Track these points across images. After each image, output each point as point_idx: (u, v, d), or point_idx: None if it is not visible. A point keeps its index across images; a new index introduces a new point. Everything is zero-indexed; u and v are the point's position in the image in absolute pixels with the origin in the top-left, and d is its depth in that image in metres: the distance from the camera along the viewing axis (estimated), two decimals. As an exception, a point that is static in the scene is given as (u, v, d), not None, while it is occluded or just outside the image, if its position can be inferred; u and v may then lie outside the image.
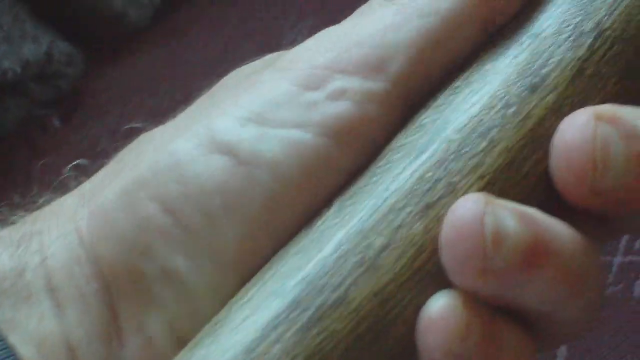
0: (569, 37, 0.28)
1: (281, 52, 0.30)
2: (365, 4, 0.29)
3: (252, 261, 0.27)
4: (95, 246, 0.28)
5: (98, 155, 0.64)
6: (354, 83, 0.27)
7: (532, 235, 0.25)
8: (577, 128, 0.26)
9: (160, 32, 0.69)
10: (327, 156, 0.27)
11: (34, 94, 0.66)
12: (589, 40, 0.28)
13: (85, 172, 0.31)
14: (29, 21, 0.66)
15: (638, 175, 0.26)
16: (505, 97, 0.27)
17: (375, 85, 0.27)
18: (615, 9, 0.28)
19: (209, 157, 0.27)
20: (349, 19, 0.29)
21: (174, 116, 0.30)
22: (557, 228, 0.26)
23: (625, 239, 0.52)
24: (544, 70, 0.27)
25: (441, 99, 0.28)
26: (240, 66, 0.31)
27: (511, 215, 0.25)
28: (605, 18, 0.28)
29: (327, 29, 0.28)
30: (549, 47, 0.28)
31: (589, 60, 0.27)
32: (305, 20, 0.66)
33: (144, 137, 0.30)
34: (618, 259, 0.52)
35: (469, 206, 0.25)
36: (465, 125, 0.27)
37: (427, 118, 0.28)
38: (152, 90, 0.66)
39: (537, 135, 0.27)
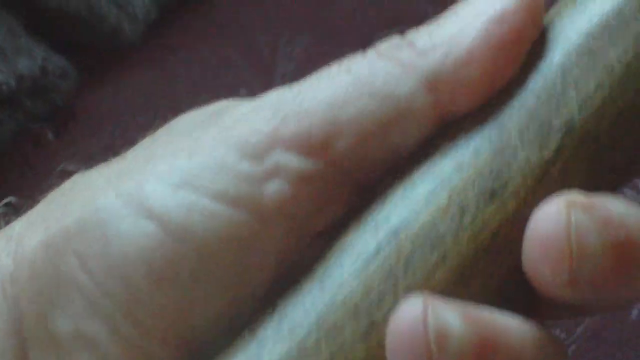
0: (536, 134, 0.26)
1: (230, 105, 0.28)
2: (327, 68, 0.28)
3: (175, 336, 0.26)
4: (17, 300, 0.27)
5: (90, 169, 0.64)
6: (292, 161, 0.26)
7: (478, 334, 0.24)
8: (550, 217, 0.25)
9: (155, 48, 0.69)
10: (259, 237, 0.26)
11: (28, 108, 0.66)
12: (558, 139, 0.26)
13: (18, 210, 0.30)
14: (23, 35, 0.66)
15: (615, 264, 0.25)
16: (462, 202, 0.25)
17: (315, 165, 0.26)
18: (588, 103, 0.26)
19: (137, 220, 0.26)
20: (305, 80, 0.28)
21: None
22: (506, 323, 0.25)
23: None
24: (505, 174, 0.26)
25: (398, 193, 0.26)
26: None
27: (455, 315, 0.24)
28: (577, 113, 0.26)
29: (280, 89, 0.27)
30: (514, 145, 0.26)
31: (556, 161, 0.26)
32: (301, 36, 0.66)
33: (77, 180, 0.29)
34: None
35: (410, 309, 0.24)
36: (418, 231, 0.25)
37: (381, 213, 0.26)
38: (146, 106, 0.66)
39: (493, 246, 0.25)
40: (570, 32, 0.26)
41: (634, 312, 0.50)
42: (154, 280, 0.25)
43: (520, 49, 0.26)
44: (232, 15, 0.70)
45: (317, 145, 0.26)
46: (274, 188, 0.26)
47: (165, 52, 0.69)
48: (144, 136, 0.31)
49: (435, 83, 0.26)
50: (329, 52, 0.69)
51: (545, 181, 0.25)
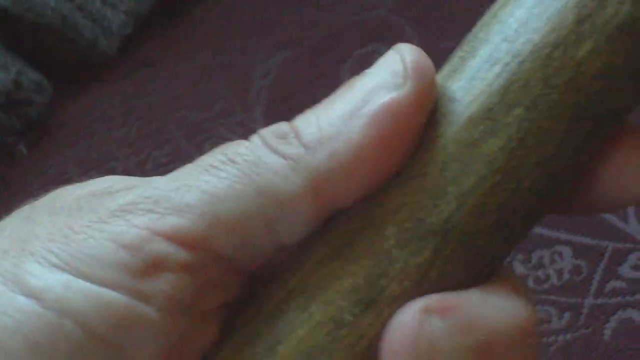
0: (413, 237, 0.24)
1: (111, 189, 0.28)
2: (210, 154, 0.27)
3: None
4: None
5: (65, 184, 0.63)
6: (171, 252, 0.25)
7: None
8: (403, 327, 0.23)
9: (130, 63, 0.69)
10: (141, 318, 0.26)
11: (2, 122, 0.65)
12: (436, 241, 0.24)
13: None
14: (-2, 48, 0.66)
15: None
16: (338, 315, 0.24)
17: (196, 257, 0.26)
18: (468, 198, 0.24)
19: (14, 296, 0.26)
20: (187, 169, 0.27)
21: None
22: None
23: (596, 280, 0.52)
24: (382, 280, 0.24)
25: (274, 305, 0.25)
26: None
27: None
28: (456, 211, 0.24)
29: (161, 179, 0.27)
30: (391, 249, 0.24)
31: (434, 263, 0.24)
32: (279, 51, 0.66)
33: None
34: (589, 300, 0.51)
35: None
36: (295, 346, 0.24)
37: (259, 329, 0.25)
38: (120, 121, 0.65)
39: (370, 354, 0.24)
40: (451, 117, 0.25)
41: (607, 332, 0.50)
42: (31, 351, 0.25)
43: (408, 141, 0.25)
44: (209, 29, 0.70)
45: (198, 239, 0.25)
46: (154, 277, 0.25)
47: (141, 67, 0.69)
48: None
49: (321, 181, 0.25)
50: (307, 68, 0.70)
51: (424, 283, 0.24)
